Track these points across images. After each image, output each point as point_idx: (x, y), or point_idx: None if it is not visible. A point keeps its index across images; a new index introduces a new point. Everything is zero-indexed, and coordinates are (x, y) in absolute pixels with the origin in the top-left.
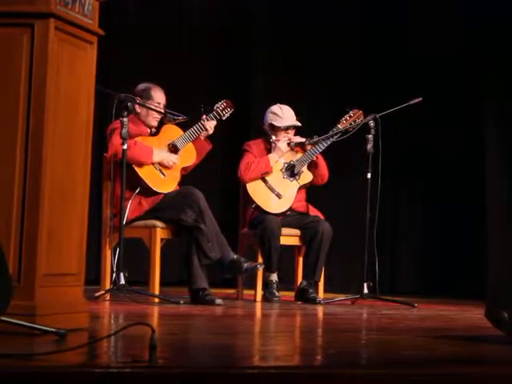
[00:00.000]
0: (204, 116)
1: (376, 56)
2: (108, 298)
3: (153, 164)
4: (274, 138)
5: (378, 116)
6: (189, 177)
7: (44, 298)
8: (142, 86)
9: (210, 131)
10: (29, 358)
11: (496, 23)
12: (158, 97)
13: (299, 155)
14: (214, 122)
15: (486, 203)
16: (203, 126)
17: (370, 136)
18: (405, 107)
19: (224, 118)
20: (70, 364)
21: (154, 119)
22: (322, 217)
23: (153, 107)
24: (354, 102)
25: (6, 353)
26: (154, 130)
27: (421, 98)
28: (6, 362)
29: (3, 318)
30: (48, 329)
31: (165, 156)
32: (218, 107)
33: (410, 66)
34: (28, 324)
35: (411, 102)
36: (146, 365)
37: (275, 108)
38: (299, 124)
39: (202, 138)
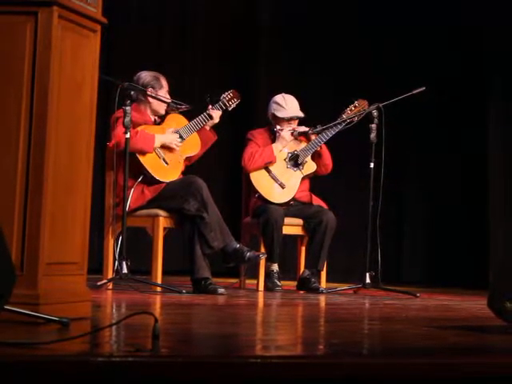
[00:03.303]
0: (210, 106)
1: (380, 46)
2: (110, 287)
3: (155, 151)
4: (278, 127)
5: (381, 105)
6: (192, 166)
7: (47, 287)
8: (149, 76)
9: (216, 120)
10: (32, 347)
11: (500, 21)
12: (166, 85)
13: (303, 145)
14: (220, 112)
15: (489, 194)
16: (209, 114)
17: (373, 125)
18: (408, 97)
19: (230, 109)
20: (73, 353)
21: (162, 108)
22: (325, 206)
23: (163, 99)
24: (358, 92)
25: (9, 341)
26: (158, 119)
27: (424, 88)
28: (10, 351)
29: (6, 307)
30: (51, 317)
31: (167, 138)
32: (224, 97)
33: (414, 58)
34: (31, 313)
35: (414, 92)
36: (148, 354)
37: (279, 98)
38: (302, 115)
39: (208, 128)
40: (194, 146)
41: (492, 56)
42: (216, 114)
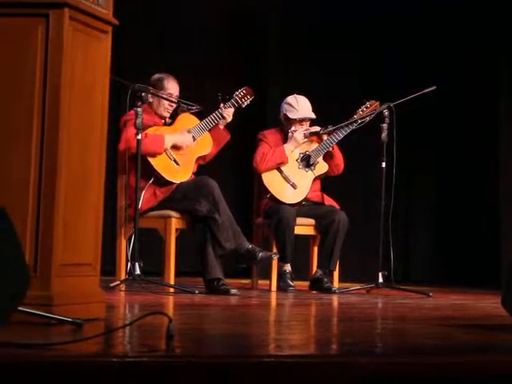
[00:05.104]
0: (221, 104)
1: (391, 46)
2: (123, 288)
3: (166, 153)
4: (293, 128)
5: (392, 105)
6: (203, 166)
7: (60, 288)
8: (156, 76)
9: (229, 119)
10: (46, 348)
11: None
12: (171, 87)
13: (314, 145)
14: (232, 110)
15: (500, 191)
16: (221, 114)
17: (384, 125)
18: (419, 96)
19: (244, 106)
20: (87, 354)
21: (165, 110)
22: (337, 206)
23: (164, 96)
24: (369, 92)
25: (23, 342)
26: (168, 120)
27: (435, 87)
28: (24, 352)
29: (20, 308)
30: (65, 319)
31: (177, 138)
32: (237, 95)
33: (425, 58)
34: (45, 314)
35: (425, 91)
36: (163, 354)
37: (291, 99)
38: (314, 116)
39: (221, 127)
40: (205, 146)
41: (502, 52)
42: (228, 113)
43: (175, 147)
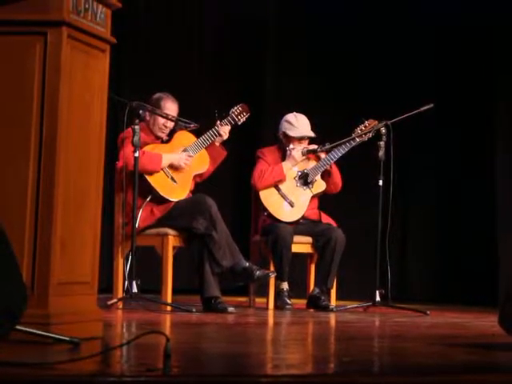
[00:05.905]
0: (218, 122)
1: (389, 61)
2: (120, 306)
3: (163, 170)
4: (291, 146)
5: (389, 123)
6: (201, 183)
7: (58, 307)
8: (155, 96)
9: (225, 137)
10: (43, 367)
11: (507, 21)
12: (168, 107)
13: (312, 163)
14: (229, 127)
15: (497, 210)
16: (217, 131)
17: (381, 143)
18: (416, 114)
19: (240, 123)
20: (84, 373)
21: (159, 130)
22: (334, 224)
23: (161, 114)
24: (367, 109)
25: (20, 361)
26: (165, 137)
27: (432, 105)
28: (20, 371)
29: (17, 327)
30: (62, 337)
31: (175, 158)
32: (233, 112)
33: (421, 70)
34: (42, 333)
35: (422, 109)
36: (160, 373)
37: (290, 117)
38: (313, 135)
39: (218, 144)
40: (202, 163)
41: (500, 56)
42: (225, 130)
43: (172, 166)
